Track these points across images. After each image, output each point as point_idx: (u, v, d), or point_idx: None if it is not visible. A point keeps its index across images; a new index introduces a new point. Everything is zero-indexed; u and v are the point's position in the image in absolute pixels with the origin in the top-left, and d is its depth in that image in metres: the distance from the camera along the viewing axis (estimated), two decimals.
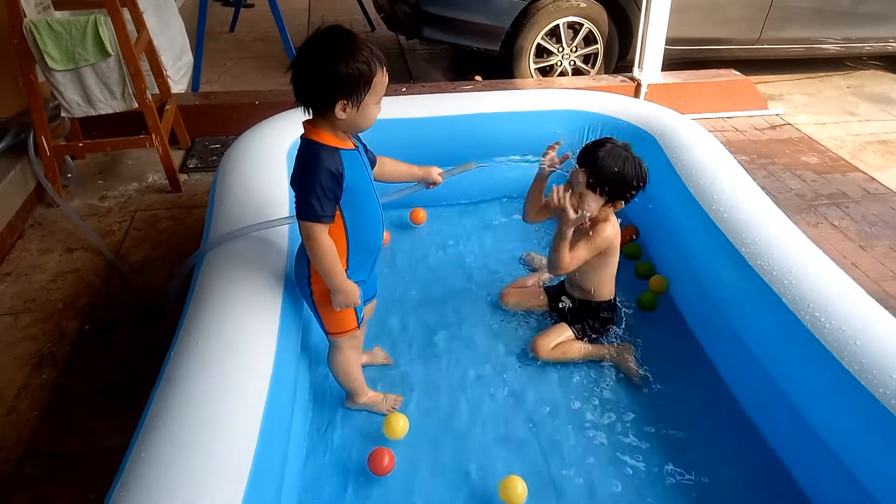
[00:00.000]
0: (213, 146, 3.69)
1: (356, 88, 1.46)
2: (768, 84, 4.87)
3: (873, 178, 3.54)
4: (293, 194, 1.67)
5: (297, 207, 1.55)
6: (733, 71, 4.41)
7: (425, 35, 4.31)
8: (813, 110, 4.45)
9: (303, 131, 1.57)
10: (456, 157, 2.82)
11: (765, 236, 1.96)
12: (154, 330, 2.34)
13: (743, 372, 2.01)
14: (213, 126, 3.80)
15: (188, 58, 4.48)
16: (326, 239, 1.56)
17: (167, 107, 3.44)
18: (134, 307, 2.48)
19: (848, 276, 1.82)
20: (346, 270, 1.66)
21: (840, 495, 1.61)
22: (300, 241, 1.70)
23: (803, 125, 4.19)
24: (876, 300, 1.74)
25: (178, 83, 4.22)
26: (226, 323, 1.59)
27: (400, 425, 1.82)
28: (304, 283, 1.71)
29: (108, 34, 2.87)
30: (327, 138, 1.53)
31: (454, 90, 3.85)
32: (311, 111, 1.54)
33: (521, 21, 4.12)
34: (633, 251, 2.66)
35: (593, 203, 2.00)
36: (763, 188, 2.33)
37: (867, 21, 4.54)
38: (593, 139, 2.83)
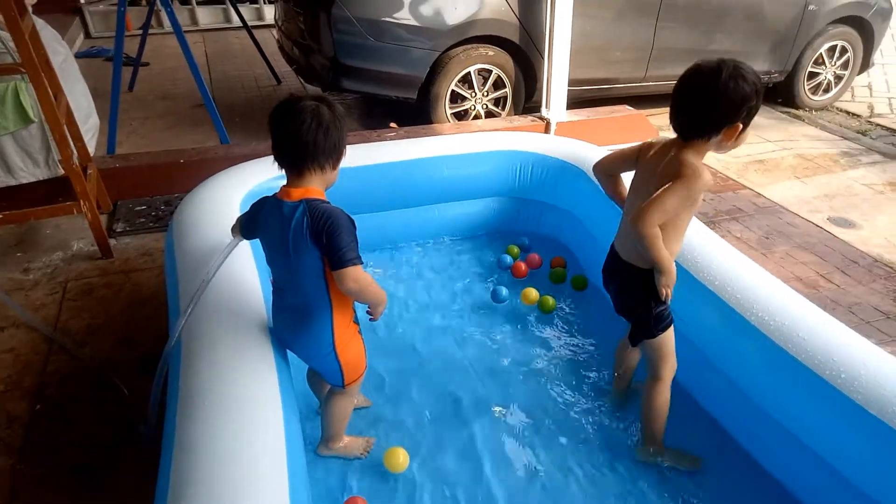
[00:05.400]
0: (138, 208, 3.57)
1: (344, 148, 1.62)
2: (657, 116, 5.36)
3: (760, 194, 4.01)
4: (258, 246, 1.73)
5: (343, 258, 1.54)
6: (627, 106, 4.85)
7: (343, 86, 4.42)
8: None
9: (285, 194, 1.60)
10: (399, 201, 2.96)
11: (700, 249, 2.21)
12: (111, 403, 2.24)
13: (698, 371, 2.23)
14: (136, 188, 3.68)
15: (94, 120, 4.29)
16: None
17: (89, 171, 3.31)
18: (86, 381, 2.35)
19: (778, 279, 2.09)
20: (353, 313, 1.74)
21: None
22: (306, 317, 1.69)
23: None
24: None
25: (87, 146, 4.05)
26: (227, 377, 1.59)
27: (400, 459, 1.88)
28: (327, 351, 1.71)
29: (29, 100, 2.76)
30: (323, 195, 1.62)
31: (379, 138, 3.97)
32: (298, 174, 1.58)
33: (436, 70, 4.35)
34: (559, 276, 2.89)
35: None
36: None
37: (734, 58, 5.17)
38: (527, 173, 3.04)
